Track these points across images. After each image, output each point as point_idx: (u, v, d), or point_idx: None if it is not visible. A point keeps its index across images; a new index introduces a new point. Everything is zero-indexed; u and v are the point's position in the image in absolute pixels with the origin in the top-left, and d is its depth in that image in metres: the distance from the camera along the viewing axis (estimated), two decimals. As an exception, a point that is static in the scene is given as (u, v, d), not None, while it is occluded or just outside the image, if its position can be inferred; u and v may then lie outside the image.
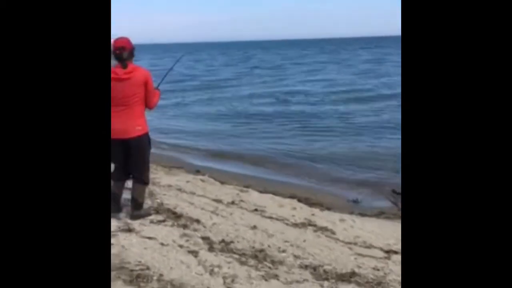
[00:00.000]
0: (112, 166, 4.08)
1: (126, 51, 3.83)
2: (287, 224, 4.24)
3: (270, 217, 4.41)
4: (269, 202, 4.97)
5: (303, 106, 13.49)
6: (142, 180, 4.13)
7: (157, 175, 6.04)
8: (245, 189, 5.51)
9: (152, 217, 4.21)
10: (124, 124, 3.86)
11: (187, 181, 5.73)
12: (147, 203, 4.66)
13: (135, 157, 4.00)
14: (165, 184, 5.50)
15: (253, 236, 3.85)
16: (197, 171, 6.56)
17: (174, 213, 4.34)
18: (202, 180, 5.86)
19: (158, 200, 4.75)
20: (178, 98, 16.23)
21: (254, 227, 4.06)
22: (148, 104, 4.00)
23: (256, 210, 4.62)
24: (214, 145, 8.84)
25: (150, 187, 5.31)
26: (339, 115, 11.59)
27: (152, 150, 4.40)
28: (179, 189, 5.30)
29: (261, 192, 5.44)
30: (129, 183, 4.26)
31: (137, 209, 4.15)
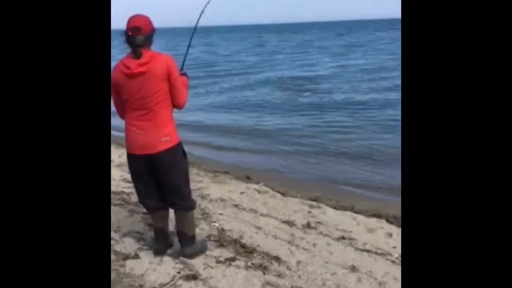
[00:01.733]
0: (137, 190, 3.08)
1: (142, 34, 2.72)
2: (392, 262, 3.22)
3: (366, 250, 3.39)
4: (352, 223, 3.96)
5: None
6: (184, 206, 3.05)
7: (203, 183, 5.07)
8: (314, 203, 4.50)
9: (217, 252, 3.23)
10: (146, 135, 2.79)
11: (241, 193, 4.74)
12: (203, 228, 3.70)
13: (167, 177, 2.91)
14: (216, 197, 4.52)
15: (359, 286, 2.85)
16: (247, 177, 5.55)
17: (243, 245, 3.35)
18: (258, 191, 4.85)
19: (216, 224, 3.78)
20: (200, 89, 14.91)
21: (354, 269, 3.06)
22: (176, 102, 2.88)
23: (343, 238, 3.61)
24: (252, 144, 7.73)
25: (201, 202, 4.36)
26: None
27: (188, 150, 3.33)
28: (236, 205, 4.32)
29: (336, 208, 4.42)
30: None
31: (188, 245, 3.12)
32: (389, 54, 24.97)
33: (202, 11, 3.39)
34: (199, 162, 6.18)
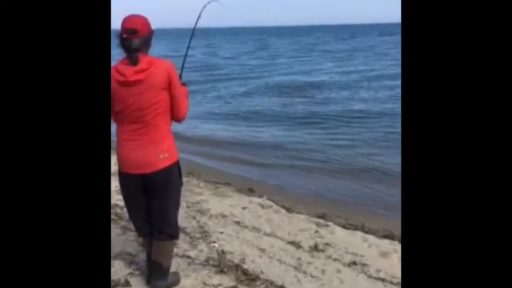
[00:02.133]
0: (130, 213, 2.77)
1: (139, 37, 2.40)
2: (410, 293, 2.91)
3: (380, 278, 3.09)
4: (363, 246, 3.65)
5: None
6: (168, 233, 2.70)
7: (203, 196, 4.77)
8: (322, 221, 4.20)
9: (216, 279, 2.93)
10: (142, 151, 2.47)
11: (244, 208, 4.44)
12: (201, 249, 3.40)
13: (159, 199, 2.59)
14: (217, 213, 4.22)
15: (375, 322, 2.55)
16: (250, 189, 5.24)
17: (245, 272, 3.05)
18: (262, 206, 4.55)
19: (216, 245, 3.47)
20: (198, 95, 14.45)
21: (369, 302, 2.76)
22: (176, 114, 2.56)
23: (354, 263, 3.30)
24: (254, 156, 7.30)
25: (199, 218, 4.07)
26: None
27: (184, 156, 3.00)
28: (238, 223, 4.02)
29: (344, 227, 4.12)
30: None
31: (161, 279, 2.74)
32: (391, 60, 24.71)
33: (199, 16, 3.10)
34: (199, 171, 5.87)
